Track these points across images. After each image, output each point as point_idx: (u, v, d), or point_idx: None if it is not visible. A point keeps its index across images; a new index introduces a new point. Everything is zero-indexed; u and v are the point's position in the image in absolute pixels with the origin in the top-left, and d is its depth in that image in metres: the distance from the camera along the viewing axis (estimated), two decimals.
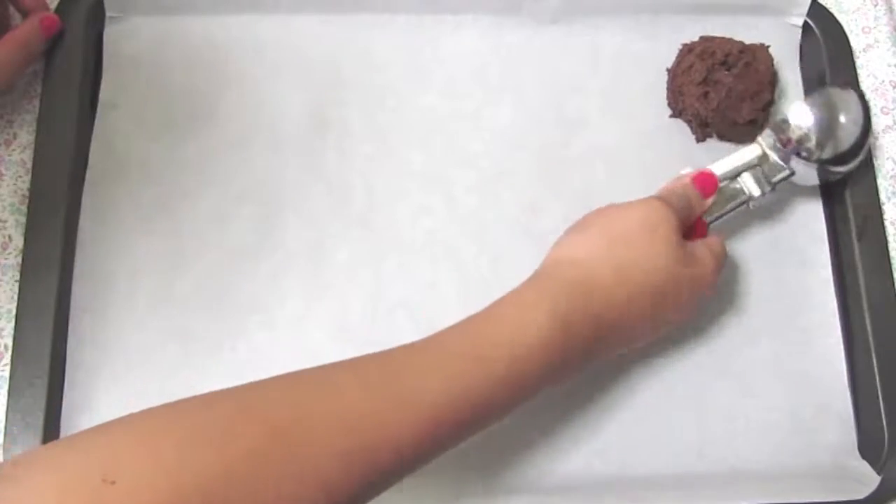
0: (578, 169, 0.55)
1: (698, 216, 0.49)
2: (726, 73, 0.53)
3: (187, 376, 0.49)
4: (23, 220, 0.51)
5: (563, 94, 0.57)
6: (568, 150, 0.55)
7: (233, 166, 0.53)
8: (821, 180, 0.53)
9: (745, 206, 0.51)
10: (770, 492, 0.48)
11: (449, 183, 0.54)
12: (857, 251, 0.53)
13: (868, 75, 0.58)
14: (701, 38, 0.55)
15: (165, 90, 0.55)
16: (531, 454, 0.49)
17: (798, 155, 0.51)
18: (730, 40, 0.54)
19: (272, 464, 0.32)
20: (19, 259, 0.50)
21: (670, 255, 0.43)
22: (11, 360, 0.48)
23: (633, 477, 0.49)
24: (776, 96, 0.55)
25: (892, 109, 0.57)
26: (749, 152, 0.51)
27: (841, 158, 0.51)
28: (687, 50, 0.55)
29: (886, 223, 0.54)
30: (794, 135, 0.51)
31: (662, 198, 0.46)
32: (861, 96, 0.52)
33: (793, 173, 0.51)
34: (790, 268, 0.54)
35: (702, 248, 0.46)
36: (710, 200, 0.49)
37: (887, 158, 0.56)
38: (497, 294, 0.43)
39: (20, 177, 0.52)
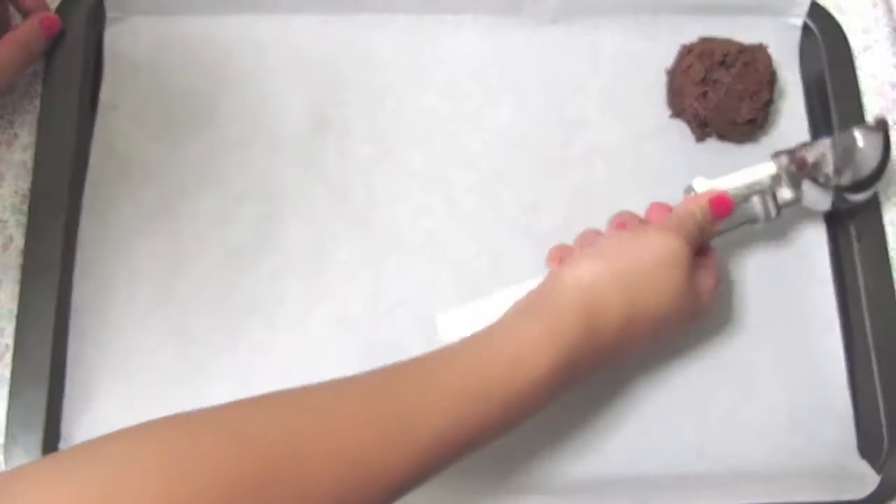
0: (578, 169, 0.55)
1: None
2: (725, 72, 0.53)
3: (187, 376, 0.49)
4: (23, 220, 0.51)
5: (563, 94, 0.57)
6: (568, 150, 0.55)
7: (233, 166, 0.53)
8: (834, 207, 0.52)
9: (749, 224, 0.50)
10: (770, 492, 0.48)
11: (449, 183, 0.54)
12: (857, 251, 0.53)
13: (868, 75, 0.58)
14: (700, 38, 0.55)
15: (165, 90, 0.55)
16: (531, 455, 0.49)
17: (814, 180, 0.50)
18: (729, 41, 0.54)
19: (264, 495, 0.32)
20: (20, 259, 0.50)
21: (678, 292, 0.43)
22: (12, 360, 0.48)
23: (633, 477, 0.49)
24: (775, 96, 0.55)
25: (892, 109, 0.57)
26: (763, 170, 0.50)
27: (857, 186, 0.50)
28: (686, 50, 0.55)
29: (886, 223, 0.54)
30: (812, 158, 0.50)
31: (679, 229, 0.45)
32: (885, 131, 0.50)
33: (799, 199, 0.50)
34: (790, 268, 0.54)
35: (704, 277, 0.46)
36: (721, 223, 0.48)
37: None
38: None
39: (21, 177, 0.52)
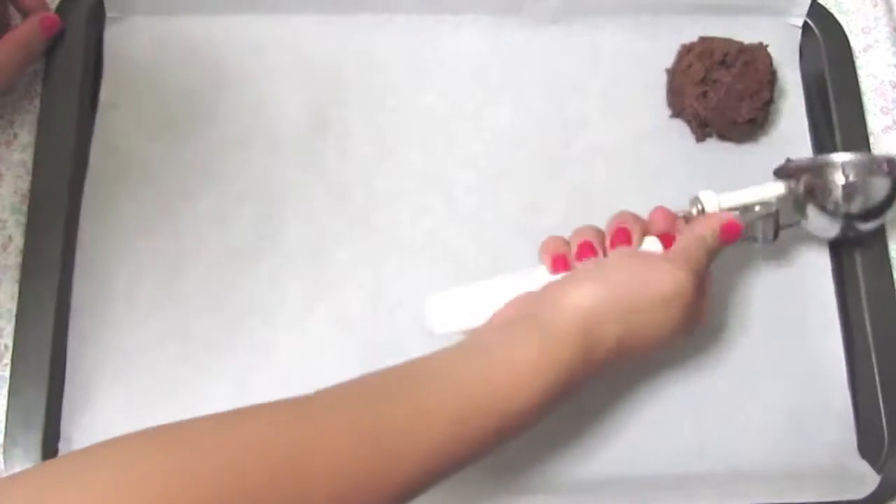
0: (578, 169, 0.55)
1: None
2: (725, 72, 0.53)
3: (187, 376, 0.49)
4: (23, 220, 0.51)
5: (563, 94, 0.57)
6: (568, 150, 0.55)
7: (233, 166, 0.53)
8: (841, 234, 0.51)
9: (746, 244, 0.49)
10: (770, 492, 0.48)
11: (449, 183, 0.54)
12: (857, 251, 0.53)
13: (868, 75, 0.58)
14: (700, 38, 0.55)
15: (165, 90, 0.55)
16: (531, 455, 0.49)
17: (822, 206, 0.49)
18: (728, 40, 0.54)
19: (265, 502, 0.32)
20: (19, 259, 0.50)
21: (678, 323, 0.42)
22: (11, 360, 0.48)
23: (633, 477, 0.49)
24: (775, 96, 0.55)
25: (892, 109, 0.57)
26: (771, 190, 0.49)
27: (866, 214, 0.49)
28: (686, 50, 0.55)
29: (886, 223, 0.54)
30: (820, 183, 0.49)
31: (689, 260, 0.43)
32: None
33: (799, 222, 0.50)
34: (790, 268, 0.54)
35: (702, 299, 0.45)
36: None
37: None
38: None
39: (20, 177, 0.52)
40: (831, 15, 0.58)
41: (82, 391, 0.49)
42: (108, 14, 0.55)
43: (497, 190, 0.54)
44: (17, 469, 0.46)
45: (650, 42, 0.58)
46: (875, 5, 0.59)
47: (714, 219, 0.47)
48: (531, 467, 0.49)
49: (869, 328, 0.52)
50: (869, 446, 0.50)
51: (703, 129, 0.56)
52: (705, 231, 0.46)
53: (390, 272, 0.52)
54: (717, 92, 0.53)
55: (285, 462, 0.33)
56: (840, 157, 0.49)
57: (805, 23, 0.58)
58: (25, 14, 0.53)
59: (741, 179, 0.55)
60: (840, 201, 0.48)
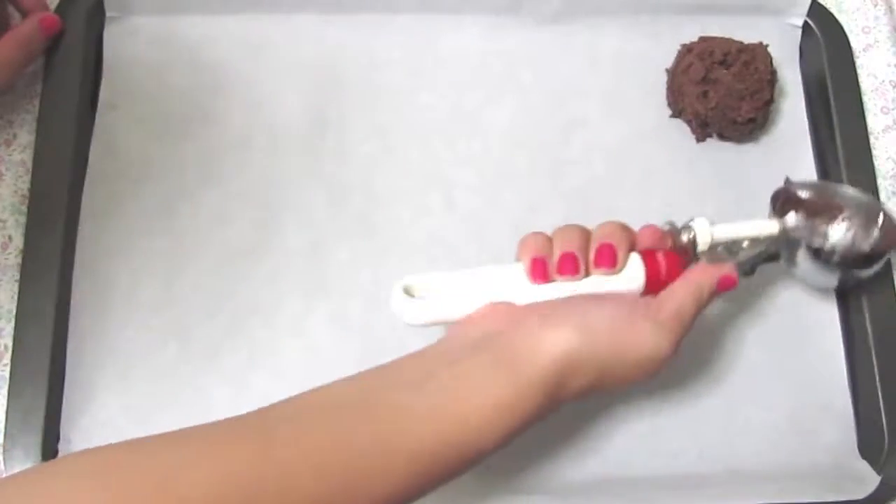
0: (578, 169, 0.55)
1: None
2: (725, 72, 0.53)
3: (187, 376, 0.49)
4: (23, 220, 0.51)
5: (563, 94, 0.57)
6: (568, 150, 0.55)
7: (233, 166, 0.53)
8: (840, 285, 0.51)
9: None
10: (770, 492, 0.48)
11: (449, 183, 0.54)
12: None
13: (868, 75, 0.58)
14: (700, 38, 0.55)
15: (165, 90, 0.55)
16: (529, 455, 0.49)
17: (816, 254, 0.47)
18: (728, 40, 0.54)
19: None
20: (19, 259, 0.50)
21: (649, 376, 0.41)
22: (11, 360, 0.48)
23: (633, 477, 0.49)
24: (775, 95, 0.55)
25: (892, 109, 0.57)
26: (765, 227, 0.47)
27: (857, 262, 0.48)
28: (686, 50, 0.55)
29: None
30: (812, 231, 0.47)
31: (679, 317, 0.42)
32: (886, 212, 0.49)
33: (777, 257, 0.48)
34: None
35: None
36: None
37: (887, 158, 0.56)
38: None
39: (20, 177, 0.52)
40: (831, 15, 0.58)
41: (82, 391, 0.49)
42: (108, 14, 0.55)
43: (497, 190, 0.54)
44: (17, 469, 0.46)
45: (650, 42, 0.58)
46: (875, 5, 0.59)
47: (713, 271, 0.44)
48: (530, 468, 0.49)
49: (869, 328, 0.52)
50: (869, 446, 0.50)
51: (703, 129, 0.56)
52: (703, 284, 0.43)
53: (390, 272, 0.52)
54: (717, 91, 0.53)
55: (272, 469, 0.33)
56: (841, 198, 0.48)
57: (805, 23, 0.58)
58: (25, 14, 0.53)
59: (741, 179, 0.55)
60: (832, 251, 0.47)
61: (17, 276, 0.50)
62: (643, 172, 0.55)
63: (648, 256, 0.44)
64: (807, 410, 0.51)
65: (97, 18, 0.55)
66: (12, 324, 0.49)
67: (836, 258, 0.47)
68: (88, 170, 0.52)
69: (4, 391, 0.48)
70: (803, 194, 0.49)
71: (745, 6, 0.58)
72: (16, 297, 0.49)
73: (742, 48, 0.54)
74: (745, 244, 0.47)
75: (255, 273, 0.51)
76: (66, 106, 0.53)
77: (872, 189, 0.55)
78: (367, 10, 0.57)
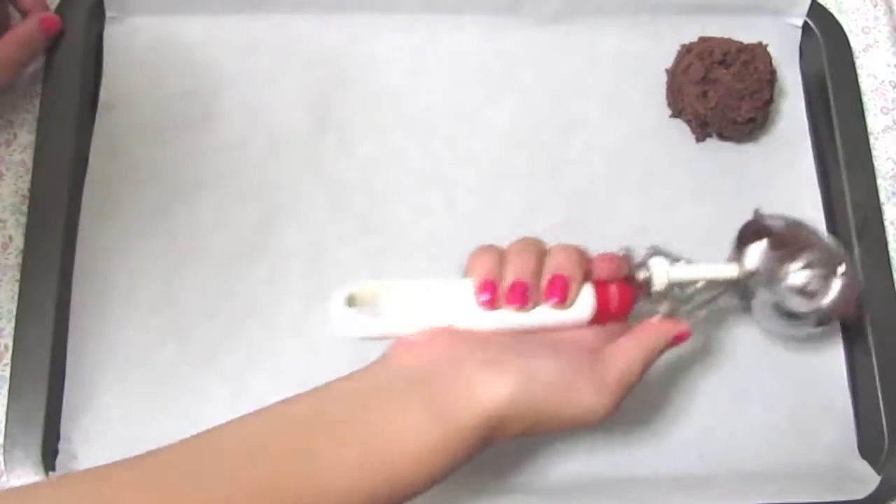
0: (578, 169, 0.55)
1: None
2: (725, 71, 0.53)
3: (187, 376, 0.49)
4: (23, 220, 0.51)
5: (563, 94, 0.57)
6: (568, 150, 0.55)
7: (232, 166, 0.53)
8: (792, 333, 0.51)
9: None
10: (770, 492, 0.48)
11: (449, 183, 0.54)
12: (857, 251, 0.53)
13: (868, 75, 0.58)
14: (700, 38, 0.55)
15: (165, 90, 0.55)
16: (529, 455, 0.49)
17: (772, 305, 0.47)
18: (728, 39, 0.54)
19: None
20: (19, 259, 0.50)
21: (593, 426, 0.40)
22: (11, 360, 0.48)
23: (633, 477, 0.49)
24: (775, 95, 0.55)
25: (892, 109, 0.57)
26: (724, 271, 0.46)
27: (810, 317, 0.47)
28: (686, 50, 0.55)
29: (886, 223, 0.54)
30: (769, 277, 0.46)
31: (626, 378, 0.40)
32: (851, 264, 0.47)
33: (714, 299, 0.46)
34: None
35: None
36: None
37: (887, 159, 0.56)
38: None
39: (20, 177, 0.52)
40: (831, 15, 0.58)
41: (82, 391, 0.49)
42: (108, 14, 0.55)
43: (497, 190, 0.54)
44: (17, 469, 0.46)
45: (650, 42, 0.58)
46: (875, 5, 0.59)
47: (665, 331, 0.43)
48: (530, 468, 0.49)
49: (869, 328, 0.52)
50: (869, 446, 0.50)
51: (703, 128, 0.56)
52: (654, 345, 0.42)
53: (390, 272, 0.52)
54: (717, 91, 0.53)
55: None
56: (807, 242, 0.47)
57: (805, 23, 0.58)
58: (25, 14, 0.53)
59: (741, 179, 0.55)
60: (785, 303, 0.46)
61: (17, 276, 0.50)
62: (643, 172, 0.55)
63: (601, 288, 0.42)
64: (807, 410, 0.51)
65: (97, 18, 0.55)
66: (12, 324, 0.49)
67: (787, 311, 0.47)
68: (88, 170, 0.52)
69: (4, 391, 0.48)
70: (769, 233, 0.47)
71: (745, 6, 0.58)
72: (16, 297, 0.49)
73: (742, 48, 0.54)
74: (699, 284, 0.45)
75: (254, 273, 0.51)
76: (66, 106, 0.53)
77: (872, 189, 0.55)
78: (367, 10, 0.57)
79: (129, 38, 0.55)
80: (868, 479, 0.49)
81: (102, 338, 0.50)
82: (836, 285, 0.46)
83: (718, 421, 0.50)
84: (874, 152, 0.56)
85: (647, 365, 0.42)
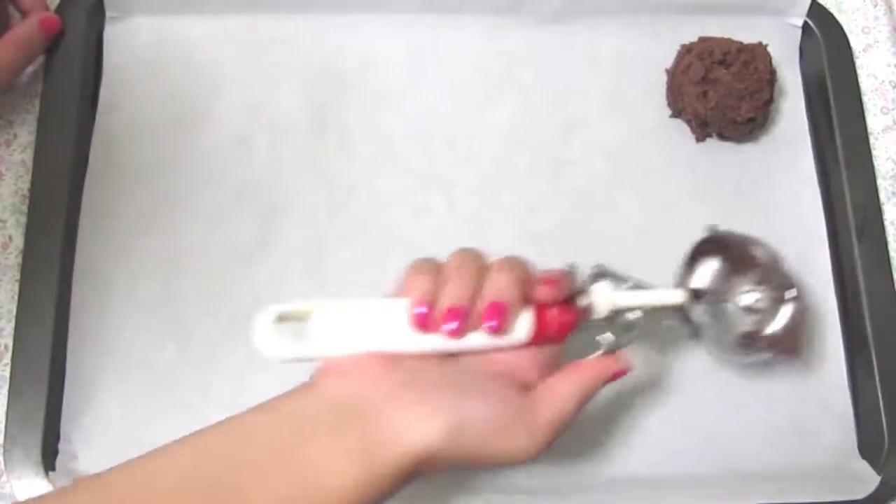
0: (578, 169, 0.55)
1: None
2: (725, 71, 0.53)
3: (187, 376, 0.49)
4: (23, 220, 0.51)
5: (563, 94, 0.57)
6: (568, 150, 0.55)
7: (232, 166, 0.53)
8: (737, 361, 0.50)
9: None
10: (770, 492, 0.48)
11: (449, 183, 0.54)
12: (857, 251, 0.53)
13: (868, 75, 0.58)
14: (700, 38, 0.55)
15: (165, 90, 0.55)
16: None
17: (717, 332, 0.45)
18: (728, 39, 0.54)
19: None
20: (19, 259, 0.50)
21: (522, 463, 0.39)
22: (11, 360, 0.48)
23: (632, 477, 0.49)
24: (775, 95, 0.55)
25: (892, 109, 0.57)
26: (670, 296, 0.44)
27: (750, 346, 0.46)
28: (686, 50, 0.55)
29: (886, 223, 0.54)
30: (715, 305, 0.45)
31: (553, 435, 0.39)
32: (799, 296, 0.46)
33: (634, 328, 0.43)
34: (790, 268, 0.54)
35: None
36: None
37: (887, 159, 0.56)
38: None
39: (20, 177, 0.52)
40: (831, 15, 0.58)
41: (82, 391, 0.49)
42: (108, 14, 0.55)
43: (497, 190, 0.54)
44: (17, 470, 0.46)
45: (650, 42, 0.58)
46: (875, 5, 0.59)
47: (603, 370, 0.41)
48: (530, 468, 0.49)
49: (869, 328, 0.52)
50: (869, 446, 0.50)
51: (703, 128, 0.56)
52: (591, 385, 0.41)
53: (390, 272, 0.52)
54: (717, 91, 0.53)
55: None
56: (759, 264, 0.45)
57: (805, 23, 0.58)
58: (25, 14, 0.53)
59: (741, 179, 0.55)
60: (731, 332, 0.45)
61: (17, 276, 0.50)
62: (643, 172, 0.55)
63: (541, 311, 0.40)
64: (807, 410, 0.51)
65: (97, 18, 0.55)
66: (12, 324, 0.49)
67: (734, 336, 0.45)
68: (88, 170, 0.52)
69: (4, 391, 0.48)
70: (721, 254, 0.46)
71: (745, 6, 0.58)
72: (16, 297, 0.49)
73: (742, 48, 0.54)
74: (638, 313, 0.43)
75: (254, 273, 0.51)
76: (66, 106, 0.53)
77: (872, 189, 0.55)
78: (367, 10, 0.57)
79: (129, 38, 0.55)
80: (868, 479, 0.49)
81: (102, 338, 0.50)
82: (786, 311, 0.45)
83: (718, 421, 0.50)
84: (874, 152, 0.56)
85: (584, 403, 0.40)
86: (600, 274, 0.43)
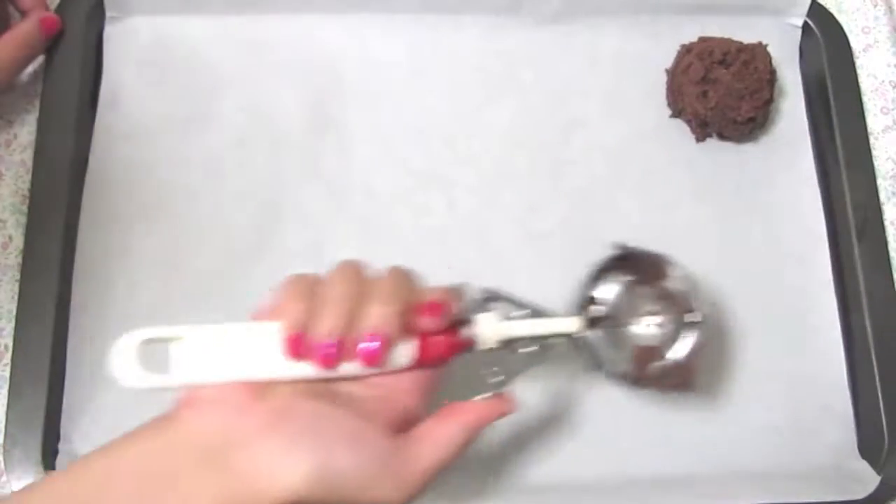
0: (578, 169, 0.55)
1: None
2: (724, 71, 0.53)
3: None
4: (23, 220, 0.51)
5: (563, 94, 0.57)
6: (568, 150, 0.55)
7: (233, 166, 0.53)
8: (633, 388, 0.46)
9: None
10: (770, 492, 0.48)
11: (449, 183, 0.54)
12: (857, 251, 0.53)
13: (868, 75, 0.58)
14: (700, 38, 0.55)
15: (165, 90, 0.55)
16: (530, 454, 0.49)
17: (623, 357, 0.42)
18: (728, 39, 0.54)
19: None
20: (19, 259, 0.50)
21: None
22: (11, 360, 0.48)
23: (633, 477, 0.49)
24: (775, 95, 0.55)
25: (892, 109, 0.57)
26: (563, 325, 0.41)
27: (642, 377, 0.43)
28: (686, 50, 0.55)
29: (886, 223, 0.54)
30: (612, 335, 0.42)
31: (422, 485, 0.37)
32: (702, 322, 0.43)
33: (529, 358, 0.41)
34: (790, 268, 0.54)
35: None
36: None
37: (887, 159, 0.56)
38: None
39: (20, 177, 0.52)
40: (831, 15, 0.58)
41: (82, 391, 0.49)
42: (108, 14, 0.55)
43: (497, 190, 0.54)
44: (17, 470, 0.46)
45: (650, 42, 0.58)
46: (875, 5, 0.59)
47: (486, 414, 0.39)
48: (530, 467, 0.49)
49: (869, 328, 0.52)
50: (869, 446, 0.50)
51: (703, 128, 0.56)
52: (480, 421, 0.38)
53: None
54: (717, 91, 0.53)
55: None
56: (666, 287, 0.43)
57: (805, 23, 0.58)
58: (24, 14, 0.53)
59: (741, 179, 0.55)
60: (625, 363, 0.43)
61: (17, 276, 0.50)
62: (643, 172, 0.55)
63: (424, 339, 0.38)
64: (807, 410, 0.51)
65: (97, 18, 0.55)
66: (12, 324, 0.49)
67: (625, 370, 0.43)
68: (88, 170, 0.52)
69: (4, 391, 0.48)
70: (625, 275, 0.43)
71: (745, 6, 0.58)
72: (16, 297, 0.49)
73: (741, 48, 0.54)
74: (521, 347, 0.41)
75: (254, 273, 0.51)
76: (66, 106, 0.53)
77: (872, 189, 0.55)
78: (367, 11, 0.57)
79: (129, 38, 0.55)
80: (868, 479, 0.49)
81: (102, 338, 0.49)
82: (685, 342, 0.43)
83: (718, 421, 0.50)
84: (874, 152, 0.56)
85: (466, 448, 0.38)
86: (491, 298, 0.40)
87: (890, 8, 0.60)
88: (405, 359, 0.38)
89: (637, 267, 0.43)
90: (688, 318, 0.43)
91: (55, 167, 0.51)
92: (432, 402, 0.39)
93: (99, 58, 0.55)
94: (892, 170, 0.56)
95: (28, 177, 0.52)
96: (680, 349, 0.43)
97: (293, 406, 0.36)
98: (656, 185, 0.55)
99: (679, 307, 0.43)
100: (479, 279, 0.51)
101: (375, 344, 0.36)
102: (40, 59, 0.54)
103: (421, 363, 0.38)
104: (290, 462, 0.34)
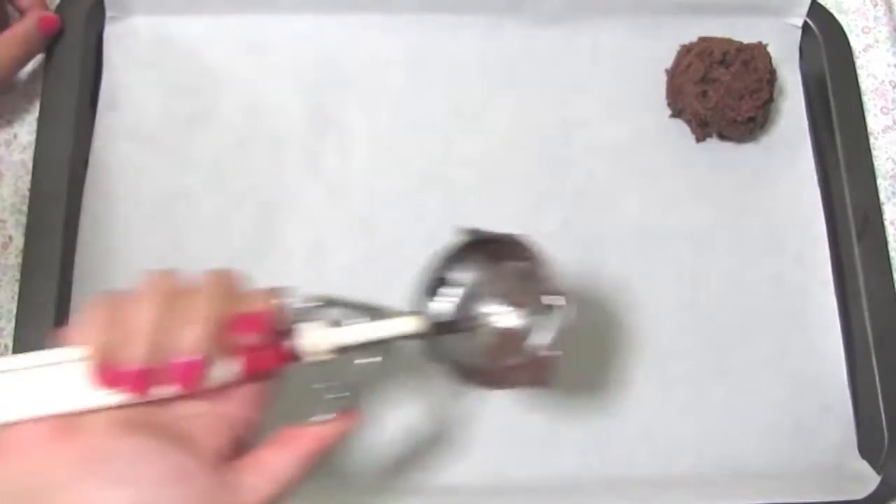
0: (578, 169, 0.55)
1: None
2: (724, 71, 0.53)
3: None
4: (23, 220, 0.51)
5: (563, 94, 0.57)
6: (568, 150, 0.55)
7: (233, 166, 0.53)
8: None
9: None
10: (770, 492, 0.48)
11: (449, 183, 0.54)
12: (857, 251, 0.53)
13: (868, 75, 0.58)
14: (700, 38, 0.55)
15: (165, 90, 0.55)
16: (530, 453, 0.49)
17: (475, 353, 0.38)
18: (728, 39, 0.54)
19: None
20: (19, 259, 0.50)
21: None
22: None
23: (633, 477, 0.49)
24: (775, 95, 0.55)
25: (892, 109, 0.57)
26: (397, 327, 0.37)
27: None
28: (685, 50, 0.55)
29: (886, 223, 0.54)
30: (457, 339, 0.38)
31: (264, 501, 0.34)
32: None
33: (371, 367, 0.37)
34: (790, 267, 0.54)
35: None
36: None
37: (887, 159, 0.56)
38: None
39: (20, 177, 0.52)
40: (831, 15, 0.58)
41: None
42: (108, 14, 0.55)
43: (497, 190, 0.54)
44: None
45: (650, 42, 0.58)
46: (875, 5, 0.59)
47: (329, 434, 0.36)
48: (530, 468, 0.49)
49: (869, 328, 0.52)
50: (869, 446, 0.50)
51: (703, 128, 0.56)
52: (318, 449, 0.36)
53: (390, 272, 0.52)
54: (717, 91, 0.53)
55: None
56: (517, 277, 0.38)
57: (805, 23, 0.58)
58: (23, 13, 0.53)
59: (741, 179, 0.55)
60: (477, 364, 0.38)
61: (17, 276, 0.50)
62: (643, 172, 0.55)
63: (248, 353, 0.35)
64: (807, 410, 0.51)
65: (97, 18, 0.55)
66: (12, 324, 0.49)
67: (474, 367, 0.38)
68: (88, 169, 0.52)
69: None
70: (472, 262, 0.40)
71: (745, 6, 0.58)
72: (16, 297, 0.49)
73: (741, 48, 0.54)
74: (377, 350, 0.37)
75: (254, 273, 0.51)
76: (66, 106, 0.53)
77: (872, 189, 0.55)
78: (367, 10, 0.57)
79: (129, 38, 0.55)
80: (868, 479, 0.49)
81: None
82: (550, 326, 0.37)
83: (718, 421, 0.50)
84: (874, 152, 0.56)
85: (305, 474, 0.35)
86: (326, 305, 0.37)
87: (890, 8, 0.60)
88: (230, 374, 0.35)
89: (489, 251, 0.39)
90: (547, 300, 0.37)
91: (55, 167, 0.51)
92: (269, 413, 0.36)
93: (99, 58, 0.55)
94: (892, 170, 0.56)
95: (28, 177, 0.52)
96: (541, 337, 0.37)
97: (109, 445, 0.32)
98: (656, 185, 0.55)
99: (538, 291, 0.38)
100: None
101: (193, 365, 0.33)
102: (40, 58, 0.54)
103: (248, 377, 0.35)
104: (94, 489, 0.31)
